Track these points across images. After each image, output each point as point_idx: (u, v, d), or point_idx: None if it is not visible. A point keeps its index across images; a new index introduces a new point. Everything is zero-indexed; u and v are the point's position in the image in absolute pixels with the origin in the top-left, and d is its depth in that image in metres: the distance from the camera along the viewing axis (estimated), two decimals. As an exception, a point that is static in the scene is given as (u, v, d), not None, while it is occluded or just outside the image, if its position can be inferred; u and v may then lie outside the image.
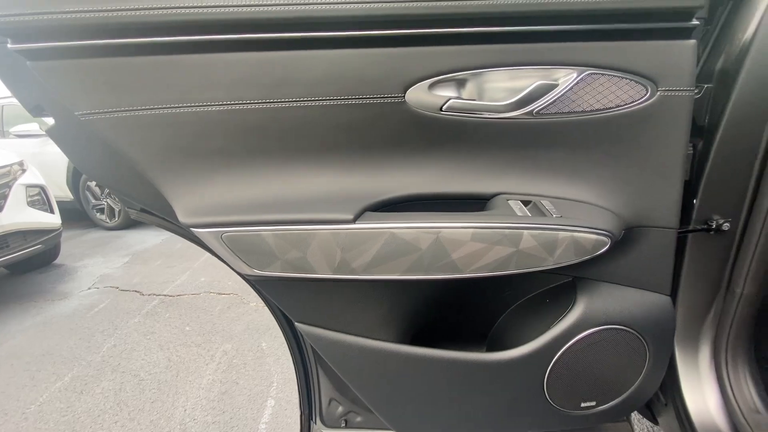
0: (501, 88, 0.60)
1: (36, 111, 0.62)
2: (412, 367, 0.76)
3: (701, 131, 0.74)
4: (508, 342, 0.78)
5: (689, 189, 0.74)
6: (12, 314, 2.77)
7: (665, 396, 0.93)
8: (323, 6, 0.53)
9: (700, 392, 0.86)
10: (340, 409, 0.98)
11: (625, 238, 0.68)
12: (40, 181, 3.27)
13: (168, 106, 0.58)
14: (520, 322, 0.81)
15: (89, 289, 3.11)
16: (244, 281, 0.72)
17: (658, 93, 0.59)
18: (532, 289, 0.79)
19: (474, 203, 0.68)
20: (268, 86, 0.58)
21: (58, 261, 3.70)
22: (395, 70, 0.58)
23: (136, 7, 0.51)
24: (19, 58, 0.54)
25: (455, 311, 0.86)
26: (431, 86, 0.59)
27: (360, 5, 0.53)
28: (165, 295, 2.90)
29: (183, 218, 0.61)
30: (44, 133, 0.65)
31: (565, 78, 0.58)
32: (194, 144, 0.60)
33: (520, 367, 0.74)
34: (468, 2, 0.53)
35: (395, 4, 0.53)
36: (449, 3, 0.53)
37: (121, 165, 0.62)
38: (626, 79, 0.58)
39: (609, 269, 0.71)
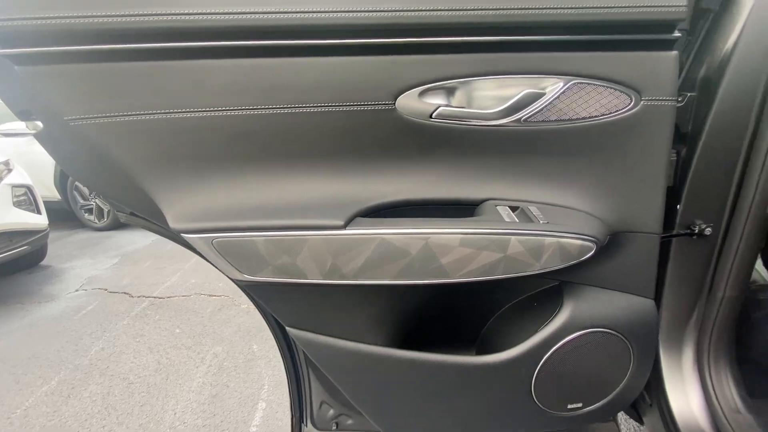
0: (490, 96, 0.61)
1: (24, 115, 0.61)
2: (403, 370, 0.76)
3: (684, 138, 0.76)
4: (497, 345, 0.79)
5: (673, 194, 0.76)
6: (-3, 317, 2.72)
7: (650, 396, 0.95)
8: (315, 14, 0.54)
9: (684, 393, 0.88)
10: (331, 412, 0.98)
11: (611, 243, 0.69)
12: (27, 181, 3.21)
13: (159, 111, 0.58)
14: (509, 326, 0.82)
15: (77, 290, 3.07)
16: (234, 283, 0.72)
17: (642, 102, 0.61)
18: (520, 293, 0.81)
19: (463, 209, 0.69)
20: (259, 92, 0.58)
21: (44, 262, 3.64)
22: (385, 78, 0.58)
23: (127, 13, 0.51)
24: (6, 62, 0.54)
25: (445, 315, 0.87)
26: (421, 94, 0.60)
27: (351, 14, 0.54)
28: (155, 297, 2.87)
29: (173, 224, 0.61)
30: (31, 132, 0.65)
31: (552, 87, 0.60)
32: (185, 149, 0.60)
33: (508, 369, 0.75)
34: (457, 12, 0.54)
35: (386, 14, 0.54)
36: (439, 13, 0.54)
37: (110, 170, 0.62)
38: (611, 88, 0.60)
39: (595, 273, 0.73)
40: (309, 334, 0.73)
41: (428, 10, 0.54)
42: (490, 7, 0.55)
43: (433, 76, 0.59)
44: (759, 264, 0.97)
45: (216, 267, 0.65)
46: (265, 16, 0.53)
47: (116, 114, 0.57)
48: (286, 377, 0.95)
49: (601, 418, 0.87)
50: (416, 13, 0.54)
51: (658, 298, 0.81)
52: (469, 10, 0.55)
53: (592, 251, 0.64)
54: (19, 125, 4.21)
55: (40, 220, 3.23)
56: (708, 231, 0.76)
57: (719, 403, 0.85)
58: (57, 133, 0.61)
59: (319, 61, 0.57)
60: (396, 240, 0.61)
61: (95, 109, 0.57)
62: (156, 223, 0.72)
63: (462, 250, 0.61)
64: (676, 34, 0.58)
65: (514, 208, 0.67)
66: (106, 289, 3.05)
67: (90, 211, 4.57)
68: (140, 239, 4.15)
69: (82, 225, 4.67)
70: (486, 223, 0.62)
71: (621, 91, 0.60)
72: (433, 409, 0.81)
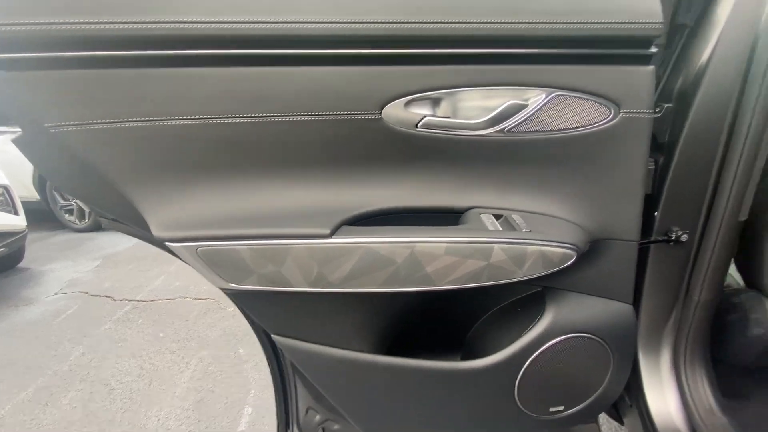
0: (474, 106, 0.62)
1: (1, 120, 0.60)
2: (388, 376, 0.77)
3: (662, 147, 0.78)
4: (482, 350, 0.80)
5: (651, 202, 0.78)
6: (-29, 322, 2.64)
7: (630, 398, 0.97)
8: (302, 25, 0.54)
9: (662, 394, 0.91)
10: (318, 417, 0.98)
11: (591, 250, 0.71)
12: (4, 180, 3.12)
13: (143, 119, 0.57)
14: (493, 331, 0.84)
15: (56, 294, 2.99)
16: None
17: (621, 114, 0.63)
18: (504, 299, 0.82)
19: (449, 216, 0.70)
20: (245, 101, 0.58)
21: (22, 265, 3.54)
22: (372, 88, 0.59)
23: (111, 20, 0.51)
24: None
25: (430, 321, 0.88)
26: (407, 104, 0.60)
27: (339, 25, 0.54)
28: (138, 301, 2.81)
29: (157, 232, 0.60)
30: (8, 130, 0.63)
31: (535, 98, 0.61)
32: (169, 157, 0.60)
33: (492, 374, 0.76)
34: (442, 25, 0.55)
35: (372, 25, 0.55)
36: (424, 25, 0.55)
37: (91, 177, 0.61)
38: (591, 101, 0.62)
39: (576, 279, 0.74)
40: (294, 342, 0.73)
41: (414, 23, 0.55)
42: (475, 21, 0.56)
43: (419, 87, 0.60)
44: (733, 269, 1.00)
45: (200, 274, 0.65)
46: (252, 25, 0.53)
47: (99, 121, 0.56)
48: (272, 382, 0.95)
49: (583, 420, 0.89)
50: (402, 25, 0.55)
51: (636, 303, 0.83)
52: (454, 23, 0.56)
53: (573, 259, 0.66)
54: (-4, 123, 4.09)
55: (18, 222, 3.14)
56: (684, 237, 0.79)
57: (695, 404, 0.88)
58: (37, 140, 0.60)
59: (306, 71, 0.58)
60: (382, 248, 0.61)
61: (77, 115, 0.56)
62: (139, 229, 0.71)
63: (447, 258, 0.62)
64: (653, 49, 0.60)
65: (498, 216, 0.68)
66: (87, 293, 2.98)
67: (70, 211, 4.46)
68: (123, 241, 4.06)
69: (63, 226, 4.56)
70: (470, 232, 0.63)
71: (601, 104, 0.62)
72: (418, 414, 0.82)
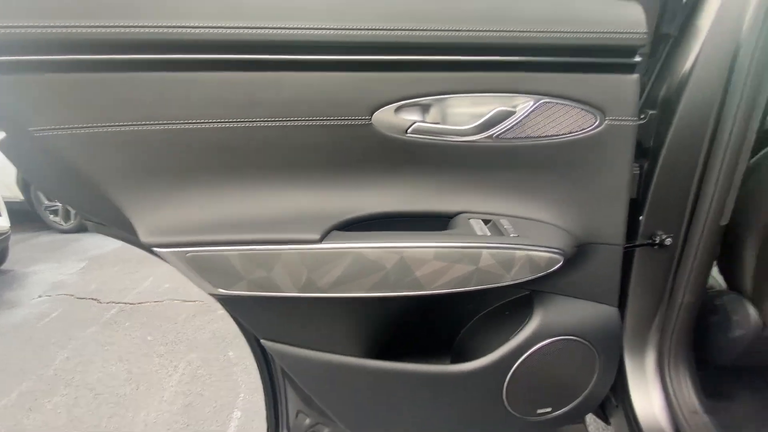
0: (463, 113, 0.63)
1: None
2: (378, 380, 0.77)
3: (647, 153, 0.80)
4: (471, 353, 0.81)
5: (636, 206, 0.80)
6: (-48, 325, 2.57)
7: (616, 398, 0.99)
8: (293, 31, 0.54)
9: (647, 395, 0.92)
10: (308, 421, 0.98)
11: (577, 254, 0.72)
12: (-14, 181, 3.05)
13: (131, 123, 0.56)
14: (482, 334, 0.85)
15: (41, 296, 2.93)
16: (209, 296, 0.71)
17: (606, 121, 0.64)
18: (493, 302, 0.83)
19: (438, 221, 0.70)
20: (235, 106, 0.58)
21: (5, 266, 3.46)
22: (362, 94, 0.59)
23: (99, 24, 0.50)
24: None
25: (420, 325, 0.88)
26: (397, 110, 0.61)
27: (329, 31, 0.55)
28: (125, 303, 2.77)
29: (145, 237, 0.60)
30: None
31: (523, 105, 0.62)
32: (157, 162, 0.59)
33: (481, 377, 0.77)
34: (432, 33, 0.56)
35: (364, 32, 0.55)
36: (415, 33, 0.56)
37: (77, 181, 0.60)
38: (577, 108, 0.63)
39: (563, 283, 0.76)
40: (284, 346, 0.73)
41: (404, 30, 0.56)
42: (464, 29, 0.57)
43: (409, 93, 0.60)
44: (715, 271, 1.02)
45: (189, 280, 0.64)
46: (243, 31, 0.53)
47: (86, 125, 0.56)
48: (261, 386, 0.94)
49: (570, 420, 0.90)
50: (393, 32, 0.56)
51: (622, 306, 0.84)
52: (443, 30, 0.56)
53: (560, 263, 0.67)
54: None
55: (1, 222, 3.07)
56: (668, 241, 0.80)
57: (679, 405, 0.90)
58: (21, 144, 0.59)
59: (297, 76, 0.58)
60: (372, 254, 0.61)
61: (62, 119, 0.55)
62: (126, 234, 0.71)
63: (436, 263, 0.63)
64: (637, 58, 0.61)
65: (486, 221, 0.69)
66: (72, 295, 2.93)
67: (55, 212, 4.38)
68: (109, 242, 4.00)
69: (47, 227, 4.47)
70: (459, 237, 0.64)
71: (587, 111, 0.63)
72: (408, 417, 0.82)
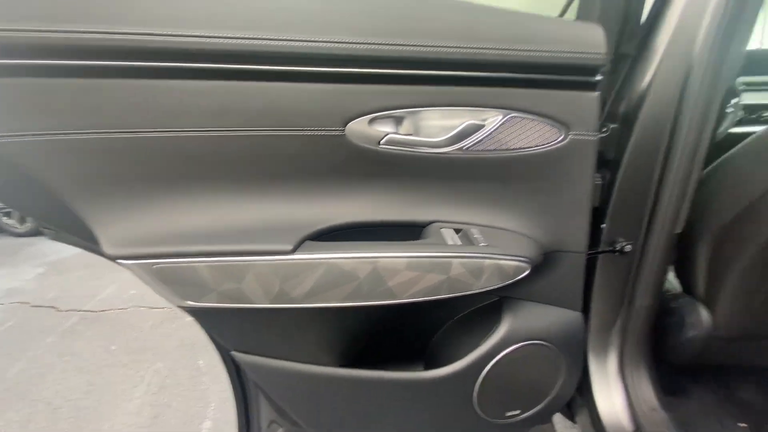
0: (435, 125, 0.64)
1: None
2: (352, 389, 0.77)
3: (609, 164, 0.84)
4: (443, 360, 0.82)
5: (599, 215, 0.84)
6: None
7: (581, 398, 1.03)
8: (266, 42, 0.54)
9: (609, 394, 0.97)
10: (280, 431, 0.97)
11: (544, 261, 0.75)
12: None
13: (95, 131, 0.54)
14: (453, 341, 0.86)
15: (-8, 305, 2.75)
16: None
17: (570, 136, 0.67)
18: (463, 309, 0.85)
19: (411, 230, 0.71)
20: (207, 114, 0.57)
21: (-48, 273, 3.23)
22: (336, 106, 0.60)
23: (62, 29, 0.48)
24: None
25: (393, 333, 0.89)
26: (371, 121, 0.62)
27: (305, 44, 0.55)
28: (87, 311, 2.64)
29: (108, 249, 0.57)
30: None
31: (492, 119, 0.64)
32: (123, 171, 0.57)
33: (452, 383, 0.79)
34: (405, 48, 0.57)
35: (337, 45, 0.56)
36: (388, 47, 0.57)
37: (36, 189, 0.57)
38: (543, 123, 0.65)
39: (530, 289, 0.78)
40: (256, 358, 0.72)
41: (380, 45, 0.57)
42: (436, 45, 0.58)
43: (383, 106, 0.61)
44: (673, 276, 1.09)
45: (155, 292, 0.62)
46: (217, 41, 0.52)
47: (46, 132, 0.53)
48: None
49: (539, 421, 0.93)
50: (368, 46, 0.57)
51: (586, 310, 0.88)
52: (417, 46, 0.58)
53: (527, 271, 0.69)
54: None
55: (-53, 227, 2.86)
56: (628, 248, 0.85)
57: (638, 402, 0.95)
58: None
59: (270, 86, 0.57)
60: (345, 264, 0.62)
61: (21, 126, 0.52)
62: (87, 243, 0.68)
63: (408, 273, 0.64)
64: (598, 77, 0.64)
65: (458, 230, 0.71)
66: (28, 303, 2.76)
67: (8, 214, 4.12)
68: (70, 246, 3.79)
69: (1, 230, 4.20)
70: (430, 247, 0.65)
71: (552, 125, 0.66)
72: (382, 425, 0.83)
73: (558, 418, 1.56)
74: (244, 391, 0.91)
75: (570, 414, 1.13)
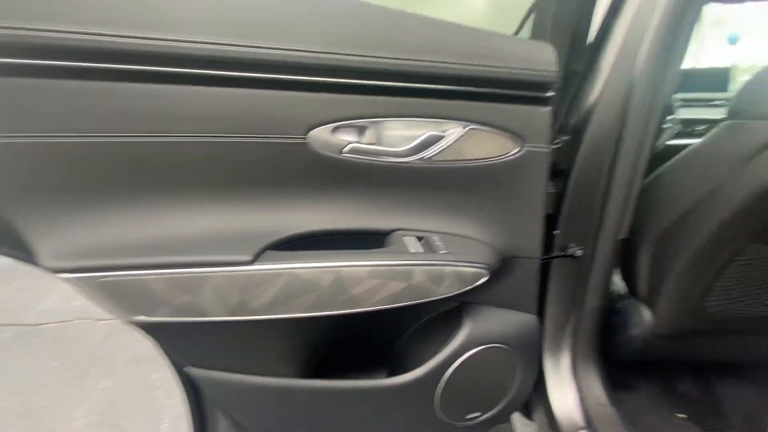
0: (397, 135, 0.65)
1: None
2: (314, 400, 0.76)
3: (561, 174, 0.89)
4: (405, 366, 0.83)
5: (552, 222, 0.88)
6: None
7: (538, 397, 1.08)
8: (228, 47, 0.53)
9: (563, 391, 1.02)
10: (239, 447, 0.93)
11: (501, 267, 0.78)
12: None
13: (33, 134, 0.50)
14: (415, 347, 0.87)
15: None
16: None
17: (525, 148, 0.70)
18: (425, 316, 0.86)
19: (374, 238, 0.72)
20: (160, 119, 0.54)
21: None
22: (298, 113, 0.59)
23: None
24: None
25: (356, 341, 0.89)
26: (334, 130, 0.62)
27: (266, 50, 0.54)
28: (24, 325, 2.42)
29: (48, 262, 0.53)
30: None
31: (452, 130, 0.66)
32: (65, 178, 0.53)
33: (414, 388, 0.80)
34: (370, 59, 0.58)
35: (301, 54, 0.56)
36: (350, 58, 0.57)
37: None
38: (501, 135, 0.68)
39: (489, 294, 0.81)
40: (212, 373, 0.69)
41: (342, 55, 0.57)
42: (400, 58, 0.60)
43: (346, 115, 0.61)
44: (619, 278, 1.16)
45: (101, 307, 0.58)
46: (172, 44, 0.50)
47: None
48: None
49: (498, 421, 0.96)
50: (331, 56, 0.57)
51: (541, 313, 0.92)
52: (380, 58, 0.59)
53: (486, 277, 0.72)
54: None
55: None
56: (579, 252, 0.90)
57: (589, 398, 1.00)
58: None
59: (229, 92, 0.56)
60: (307, 274, 0.61)
61: None
62: (22, 255, 0.62)
63: (371, 281, 0.64)
64: (551, 93, 0.68)
65: (419, 238, 0.72)
66: (-48, 318, 2.49)
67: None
68: (4, 255, 3.47)
69: None
70: (392, 255, 0.66)
71: (509, 138, 0.69)
72: None
73: (516, 417, 1.62)
74: (200, 408, 0.87)
75: (527, 412, 1.18)
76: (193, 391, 0.85)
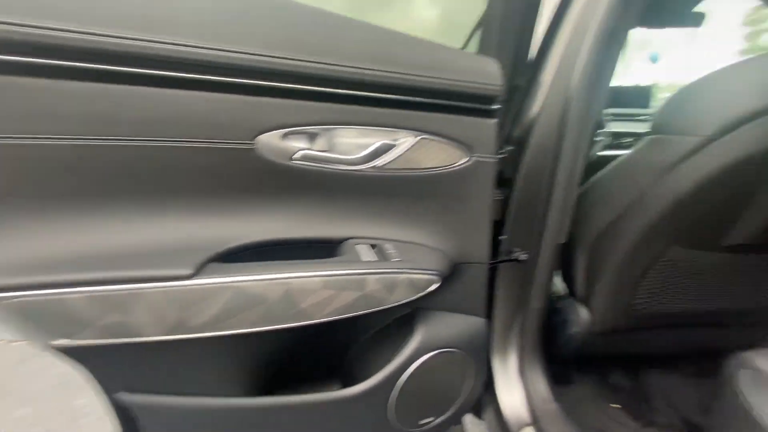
0: (350, 143, 0.64)
1: None
2: (263, 418, 0.73)
3: (506, 182, 0.93)
4: (359, 376, 0.82)
5: (498, 228, 0.92)
6: None
7: (488, 397, 1.11)
8: (171, 46, 0.49)
9: (510, 390, 1.06)
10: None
11: (452, 273, 0.80)
12: None
13: None
14: (368, 356, 0.87)
15: None
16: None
17: (473, 157, 0.73)
18: (379, 323, 0.86)
19: (326, 247, 0.70)
20: (83, 120, 0.49)
21: None
22: (246, 118, 0.57)
23: None
24: None
25: (307, 353, 0.86)
26: (284, 136, 0.60)
27: (214, 52, 0.51)
28: None
29: None
30: None
31: (404, 140, 0.67)
32: None
33: (368, 398, 0.79)
34: (321, 65, 0.57)
35: (251, 57, 0.53)
36: (304, 63, 0.56)
37: None
38: (450, 145, 0.70)
39: (440, 300, 0.82)
40: (149, 397, 0.63)
41: (294, 60, 0.56)
42: (351, 65, 0.59)
43: (297, 121, 0.60)
44: (559, 280, 1.24)
45: (14, 331, 0.51)
46: (106, 39, 0.46)
47: None
48: None
49: (451, 424, 0.98)
50: (282, 60, 0.55)
51: (489, 316, 0.96)
52: (332, 65, 0.58)
53: (438, 283, 0.73)
54: None
55: None
56: (523, 257, 0.94)
57: (534, 395, 1.05)
58: None
59: (167, 93, 0.52)
60: (255, 287, 0.58)
61: None
62: None
63: (323, 292, 0.62)
64: (496, 106, 0.71)
65: (373, 246, 0.71)
66: None
67: None
68: None
69: None
70: (345, 264, 0.65)
71: (457, 148, 0.71)
72: None
73: (467, 416, 1.66)
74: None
75: (477, 412, 1.22)
76: (128, 419, 0.77)
